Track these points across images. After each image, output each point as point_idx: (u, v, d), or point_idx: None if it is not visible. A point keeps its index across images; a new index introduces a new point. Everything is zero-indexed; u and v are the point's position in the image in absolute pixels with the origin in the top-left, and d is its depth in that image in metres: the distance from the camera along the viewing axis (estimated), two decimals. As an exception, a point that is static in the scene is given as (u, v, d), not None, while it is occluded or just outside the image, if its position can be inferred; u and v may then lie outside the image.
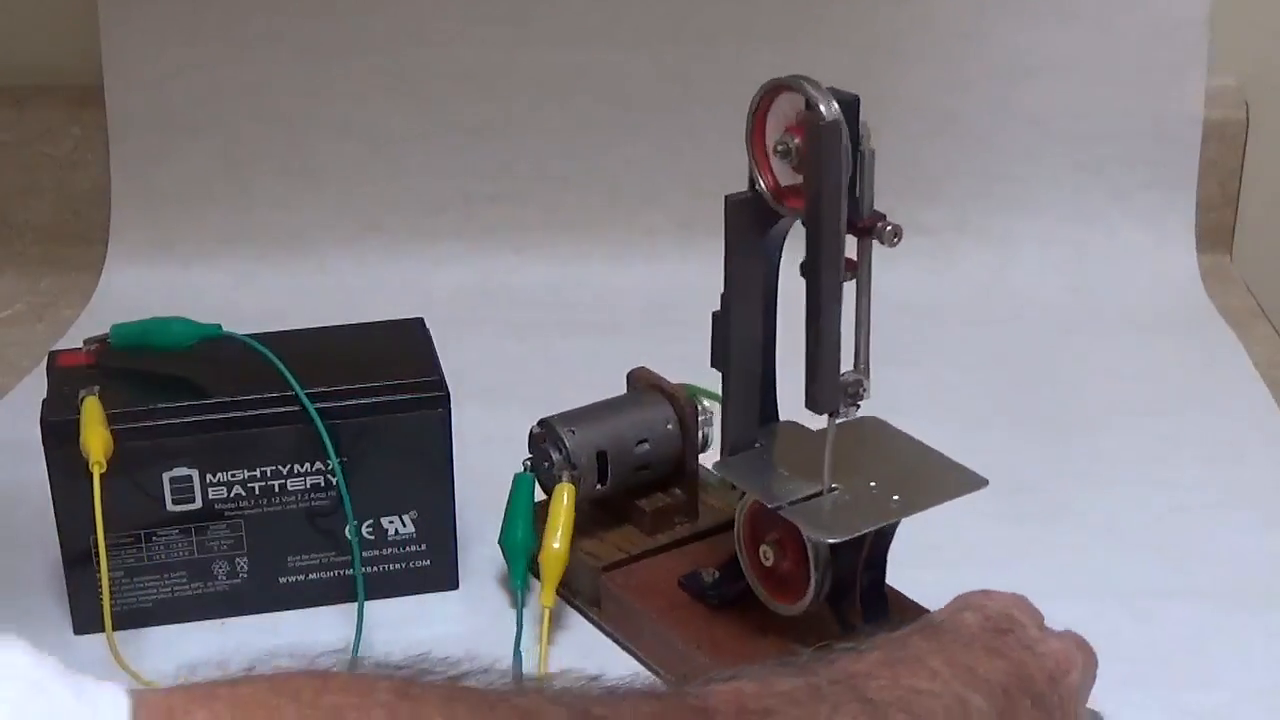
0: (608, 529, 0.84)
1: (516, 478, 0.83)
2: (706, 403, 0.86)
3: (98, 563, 0.80)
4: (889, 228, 0.70)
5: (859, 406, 0.73)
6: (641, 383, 0.87)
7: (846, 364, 0.72)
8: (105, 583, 0.77)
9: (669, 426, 0.85)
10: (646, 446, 0.84)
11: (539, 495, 0.84)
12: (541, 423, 0.83)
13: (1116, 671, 0.78)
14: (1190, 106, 1.26)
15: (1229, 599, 0.85)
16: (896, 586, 0.78)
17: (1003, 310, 1.22)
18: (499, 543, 0.83)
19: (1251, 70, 1.30)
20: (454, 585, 0.86)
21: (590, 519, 0.85)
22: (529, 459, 0.83)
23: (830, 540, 0.71)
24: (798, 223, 0.73)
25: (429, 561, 0.85)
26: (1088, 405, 1.08)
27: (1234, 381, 1.11)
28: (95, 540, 0.79)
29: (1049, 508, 0.94)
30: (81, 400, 0.78)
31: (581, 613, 0.83)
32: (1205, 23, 1.24)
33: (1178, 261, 1.27)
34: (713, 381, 0.98)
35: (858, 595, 0.75)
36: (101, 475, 0.77)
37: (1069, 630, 0.69)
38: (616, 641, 0.81)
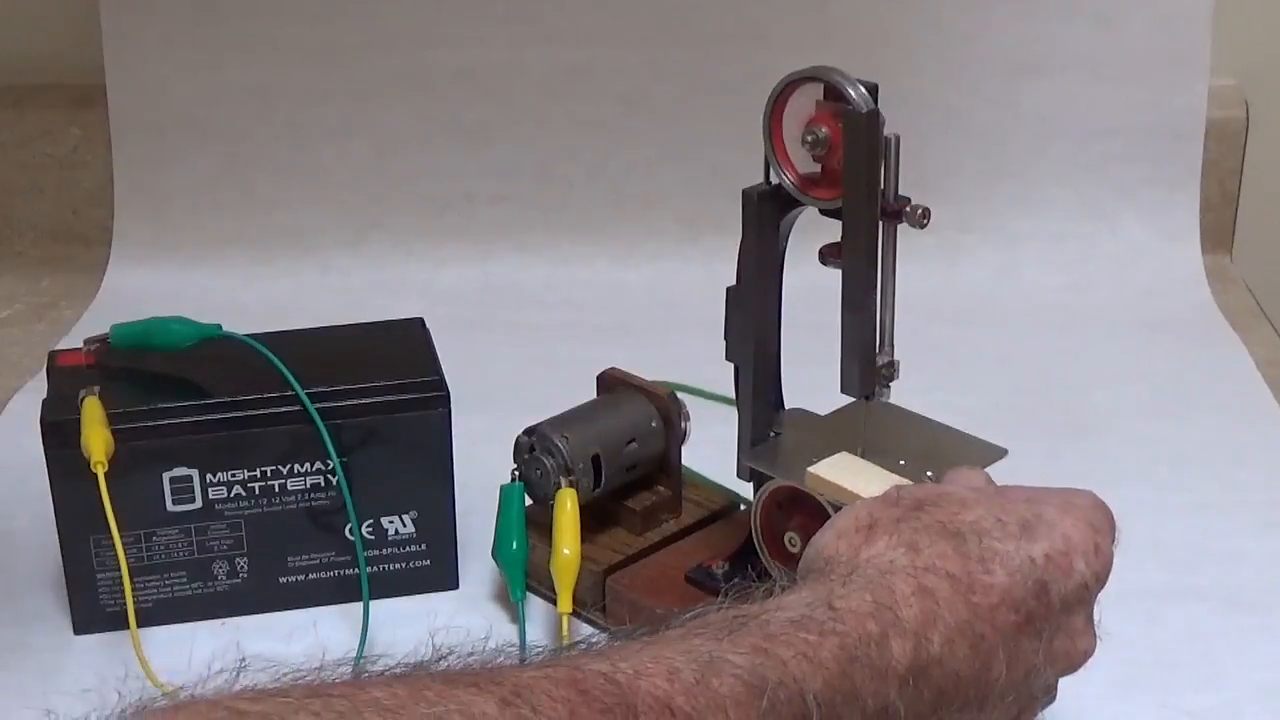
0: (596, 532, 0.84)
1: (505, 489, 0.82)
2: (681, 397, 0.87)
3: (100, 562, 0.80)
4: (919, 210, 0.71)
5: (890, 387, 0.75)
6: (613, 382, 0.87)
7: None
8: (126, 579, 0.76)
9: (653, 424, 0.85)
10: (635, 446, 0.84)
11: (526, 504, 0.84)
12: (529, 430, 0.83)
13: (1117, 672, 0.78)
14: (1194, 102, 1.26)
15: (1229, 599, 0.85)
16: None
17: (1006, 308, 1.22)
18: (493, 556, 0.83)
19: (1251, 70, 1.30)
20: (454, 585, 0.86)
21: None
22: (516, 469, 0.83)
23: None
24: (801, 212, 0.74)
25: (429, 561, 0.85)
26: (1090, 405, 1.08)
27: (1236, 381, 1.11)
28: (96, 540, 0.79)
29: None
30: (82, 400, 0.78)
31: (583, 619, 0.83)
32: (1208, 19, 1.24)
33: (1182, 260, 1.27)
34: (701, 379, 1.00)
35: None
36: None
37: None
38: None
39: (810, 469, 0.73)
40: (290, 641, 0.81)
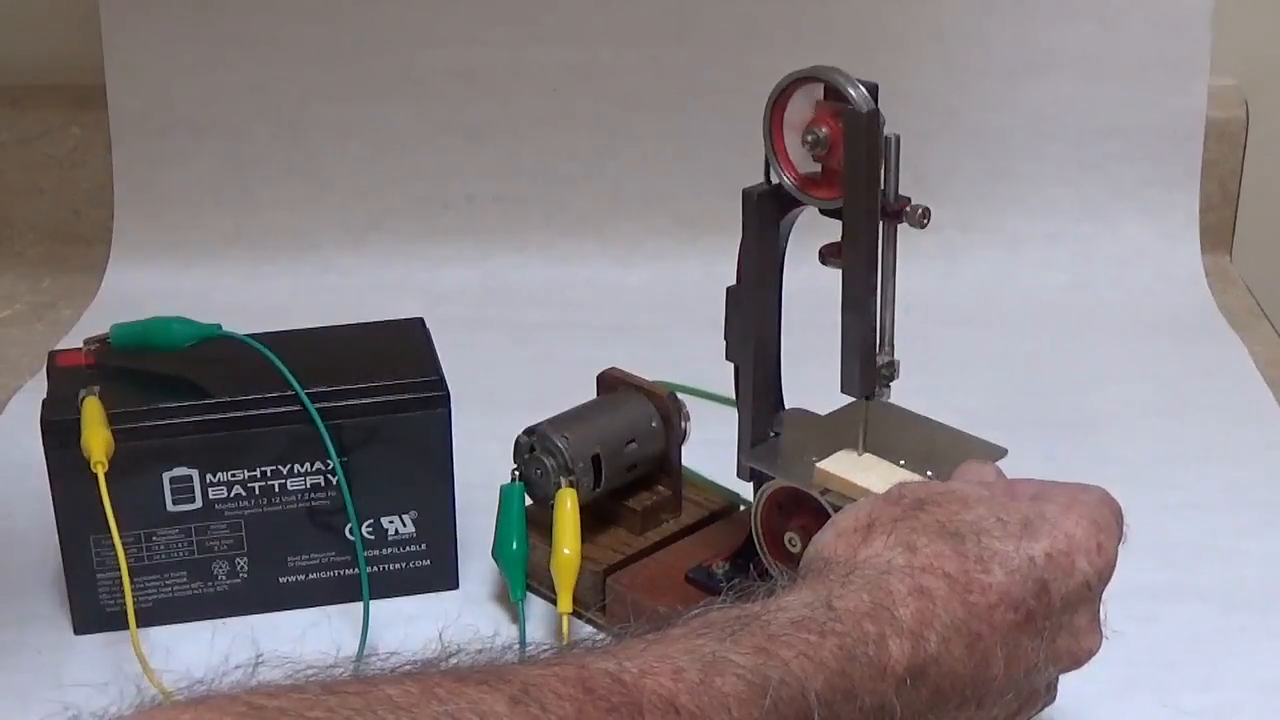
0: (596, 532, 0.84)
1: (505, 489, 0.83)
2: (681, 397, 0.87)
3: (100, 562, 0.80)
4: (919, 210, 0.71)
5: (890, 387, 0.75)
6: (613, 382, 0.87)
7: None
8: (126, 579, 0.76)
9: (653, 424, 0.85)
10: (634, 446, 0.84)
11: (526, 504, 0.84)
12: (530, 430, 0.83)
13: (1117, 672, 0.78)
14: (1194, 102, 1.26)
15: (1229, 599, 0.85)
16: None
17: (1006, 308, 1.22)
18: (493, 556, 0.83)
19: (1251, 70, 1.30)
20: (454, 585, 0.86)
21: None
22: (516, 469, 0.83)
23: None
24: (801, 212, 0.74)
25: (429, 561, 0.85)
26: (1090, 404, 1.08)
27: (1236, 381, 1.11)
28: (96, 540, 0.79)
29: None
30: (82, 400, 0.78)
31: (583, 619, 0.83)
32: (1208, 19, 1.24)
33: (1182, 260, 1.27)
34: (701, 379, 1.00)
35: None
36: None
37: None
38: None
39: (818, 464, 0.73)
40: (290, 642, 0.81)
